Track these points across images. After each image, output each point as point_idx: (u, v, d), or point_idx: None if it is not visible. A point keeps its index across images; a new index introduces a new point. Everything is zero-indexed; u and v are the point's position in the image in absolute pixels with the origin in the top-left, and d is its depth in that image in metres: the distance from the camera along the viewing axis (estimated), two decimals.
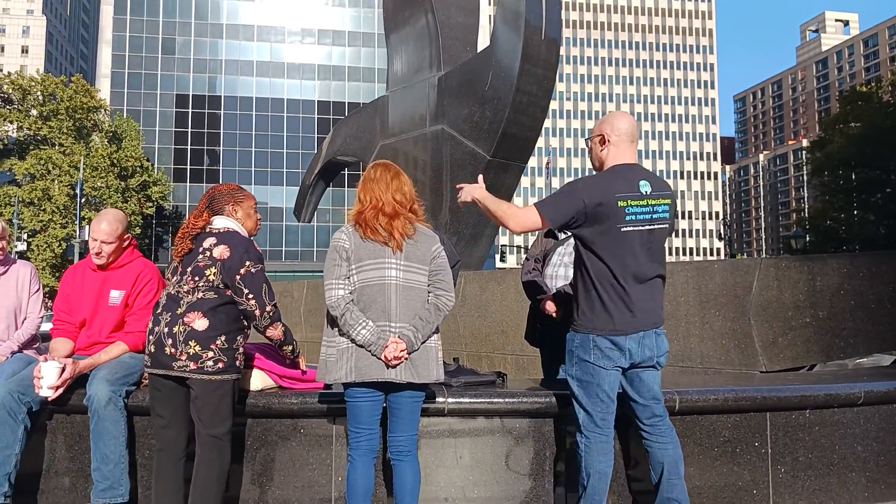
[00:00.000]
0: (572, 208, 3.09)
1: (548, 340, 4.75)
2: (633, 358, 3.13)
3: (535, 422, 3.62)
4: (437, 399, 3.50)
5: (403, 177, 3.20)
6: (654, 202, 3.17)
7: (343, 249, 3.04)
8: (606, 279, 3.10)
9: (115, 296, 3.69)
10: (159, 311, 3.19)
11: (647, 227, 3.15)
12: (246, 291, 3.13)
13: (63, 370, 3.38)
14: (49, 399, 3.40)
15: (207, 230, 3.28)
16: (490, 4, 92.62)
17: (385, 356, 2.95)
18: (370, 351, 2.96)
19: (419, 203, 3.21)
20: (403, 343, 2.95)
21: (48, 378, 3.34)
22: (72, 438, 3.64)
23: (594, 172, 3.37)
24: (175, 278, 3.24)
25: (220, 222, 3.31)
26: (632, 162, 3.28)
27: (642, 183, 3.17)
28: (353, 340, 2.98)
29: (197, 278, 3.16)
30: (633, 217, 3.11)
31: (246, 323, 3.24)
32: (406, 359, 2.98)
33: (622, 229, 3.10)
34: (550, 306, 4.39)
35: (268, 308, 3.18)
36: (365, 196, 3.12)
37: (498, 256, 51.81)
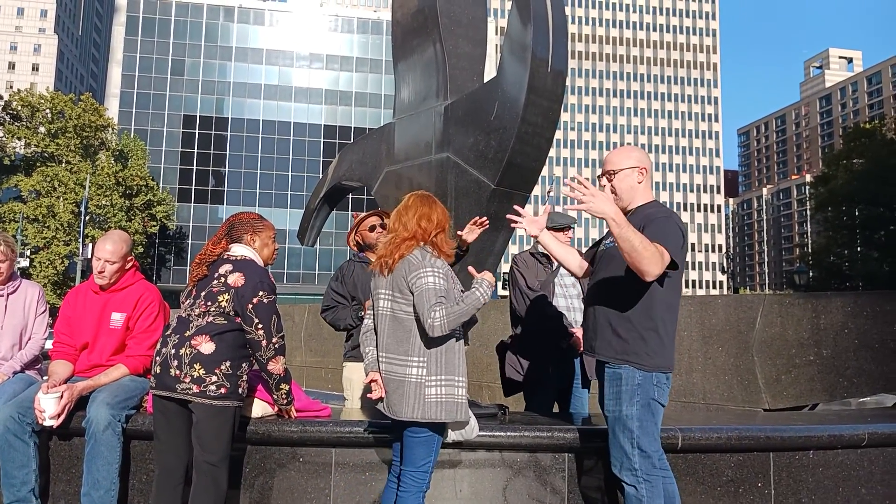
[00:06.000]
0: (684, 247, 3.03)
1: (526, 385, 4.64)
2: None
3: (536, 456, 3.58)
4: None
5: (422, 209, 3.11)
6: None
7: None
8: (671, 314, 3.08)
9: (117, 318, 3.68)
10: (168, 332, 3.20)
11: None
12: (256, 321, 3.14)
13: (61, 397, 3.38)
14: (53, 427, 3.41)
15: (224, 257, 3.30)
16: (497, 35, 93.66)
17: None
18: None
19: (439, 232, 3.08)
20: (374, 374, 3.05)
21: (49, 409, 3.36)
22: (69, 461, 3.61)
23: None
24: (188, 301, 3.25)
25: (237, 250, 3.33)
26: None
27: None
28: None
29: (209, 303, 3.17)
30: None
31: (251, 352, 3.23)
32: (382, 389, 3.01)
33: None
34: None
35: (274, 339, 3.19)
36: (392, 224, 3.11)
37: (500, 284, 51.73)
